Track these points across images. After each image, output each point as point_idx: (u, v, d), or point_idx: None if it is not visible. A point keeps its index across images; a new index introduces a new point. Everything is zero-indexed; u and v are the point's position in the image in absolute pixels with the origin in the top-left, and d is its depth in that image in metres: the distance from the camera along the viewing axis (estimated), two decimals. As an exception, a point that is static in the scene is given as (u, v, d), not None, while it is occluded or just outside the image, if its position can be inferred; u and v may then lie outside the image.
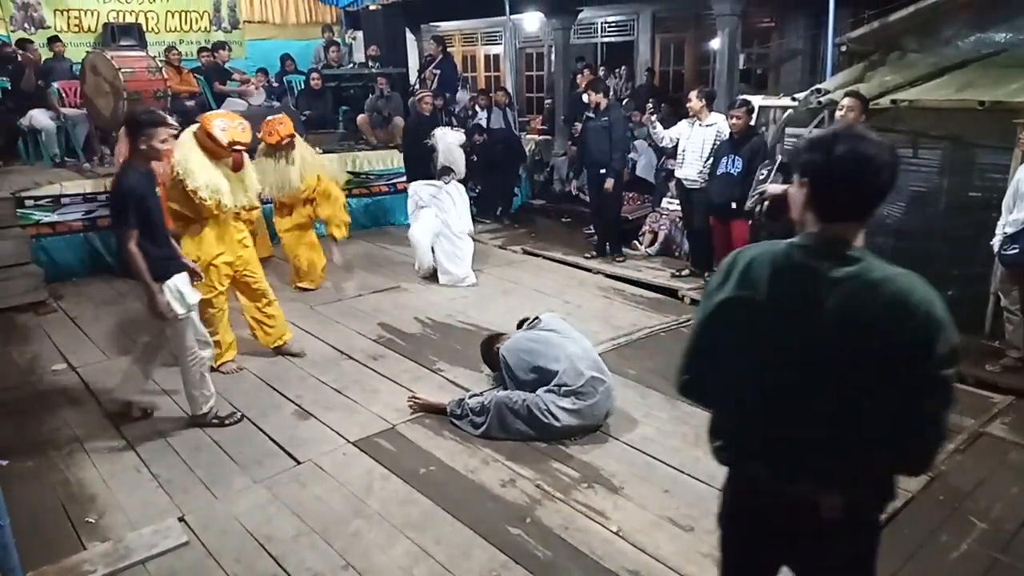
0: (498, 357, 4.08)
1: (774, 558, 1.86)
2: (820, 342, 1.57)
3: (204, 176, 4.13)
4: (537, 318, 4.26)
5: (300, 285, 6.35)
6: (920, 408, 1.54)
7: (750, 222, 5.56)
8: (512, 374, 3.94)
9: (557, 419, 3.68)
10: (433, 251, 6.58)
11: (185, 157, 4.11)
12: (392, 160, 8.89)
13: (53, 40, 8.81)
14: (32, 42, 8.38)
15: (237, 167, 4.39)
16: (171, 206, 4.21)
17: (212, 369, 4.23)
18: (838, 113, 4.75)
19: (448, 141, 7.01)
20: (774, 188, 4.70)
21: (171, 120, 3.68)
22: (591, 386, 3.72)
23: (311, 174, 5.92)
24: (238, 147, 4.27)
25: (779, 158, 4.99)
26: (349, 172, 8.56)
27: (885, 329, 1.51)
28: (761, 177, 5.07)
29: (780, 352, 1.63)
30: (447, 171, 6.82)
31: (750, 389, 1.69)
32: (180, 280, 3.71)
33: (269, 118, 5.74)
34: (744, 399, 1.72)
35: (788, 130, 5.91)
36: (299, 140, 5.89)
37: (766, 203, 4.57)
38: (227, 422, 3.96)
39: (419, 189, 6.76)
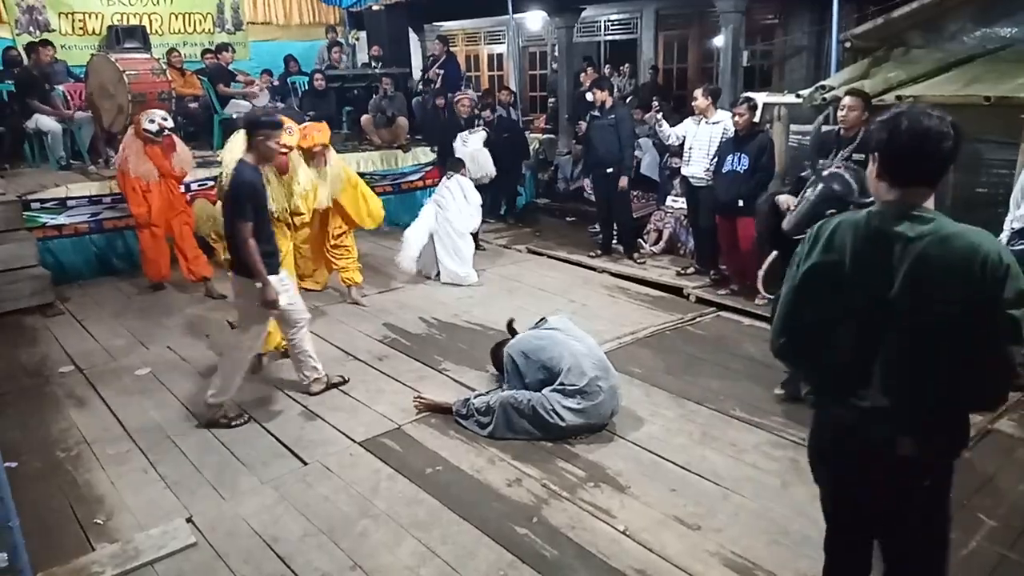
0: (502, 356, 4.08)
1: (861, 495, 2.03)
2: (901, 295, 1.78)
3: None
4: (543, 319, 4.26)
5: (304, 286, 6.29)
6: (993, 347, 1.73)
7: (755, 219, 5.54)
8: (519, 373, 3.94)
9: (563, 419, 3.68)
10: (436, 249, 6.57)
11: (232, 159, 4.11)
12: (396, 160, 8.91)
13: (44, 44, 8.77)
14: (46, 45, 8.39)
15: (283, 170, 4.39)
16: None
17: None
18: (840, 112, 4.72)
19: (470, 149, 7.07)
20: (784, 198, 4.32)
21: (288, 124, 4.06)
22: (596, 385, 3.72)
23: (343, 195, 5.56)
24: (284, 150, 4.25)
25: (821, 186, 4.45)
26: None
27: (959, 277, 1.72)
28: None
29: (866, 307, 1.85)
30: (457, 164, 6.87)
31: (840, 342, 1.90)
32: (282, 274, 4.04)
33: (307, 123, 5.38)
34: (834, 352, 1.92)
35: (793, 127, 5.89)
36: (334, 155, 5.46)
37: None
38: (234, 423, 3.97)
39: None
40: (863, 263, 1.83)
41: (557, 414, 3.68)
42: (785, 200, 4.20)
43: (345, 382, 4.45)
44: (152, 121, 5.86)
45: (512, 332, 4.32)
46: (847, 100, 4.65)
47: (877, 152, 1.86)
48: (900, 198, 1.83)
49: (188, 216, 6.19)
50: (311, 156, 5.15)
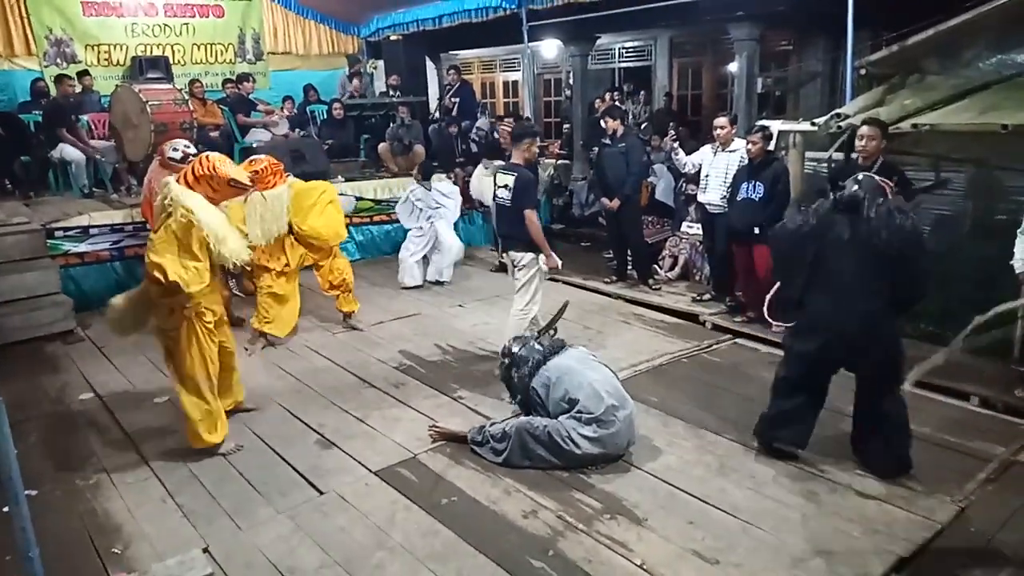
0: (528, 390, 4.00)
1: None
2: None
3: None
4: (562, 341, 4.20)
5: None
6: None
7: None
8: (544, 406, 3.90)
9: (578, 446, 3.66)
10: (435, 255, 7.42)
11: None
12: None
13: (82, 74, 9.05)
14: (71, 77, 8.61)
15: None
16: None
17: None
18: (859, 142, 4.73)
19: (483, 187, 7.66)
20: None
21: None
22: (612, 414, 3.70)
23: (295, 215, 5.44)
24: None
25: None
26: (371, 200, 8.68)
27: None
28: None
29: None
30: (430, 171, 7.58)
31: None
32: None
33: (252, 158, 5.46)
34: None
35: (808, 154, 5.89)
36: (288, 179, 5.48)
37: None
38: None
39: (411, 193, 7.36)
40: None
41: (572, 441, 3.66)
42: None
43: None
44: (176, 149, 5.90)
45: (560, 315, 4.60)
46: (865, 130, 4.65)
47: None
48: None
49: None
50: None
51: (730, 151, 6.02)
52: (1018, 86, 5.08)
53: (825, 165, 5.68)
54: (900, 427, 3.66)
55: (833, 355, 3.62)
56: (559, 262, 5.03)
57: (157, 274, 3.53)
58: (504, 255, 5.27)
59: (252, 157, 5.61)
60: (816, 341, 3.60)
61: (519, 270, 5.00)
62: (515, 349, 4.11)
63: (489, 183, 7.42)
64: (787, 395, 3.77)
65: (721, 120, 6.16)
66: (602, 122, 7.36)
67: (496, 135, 8.51)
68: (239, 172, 3.97)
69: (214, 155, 3.88)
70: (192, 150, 6.15)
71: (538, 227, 4.87)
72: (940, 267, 5.06)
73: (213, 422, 3.94)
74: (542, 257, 4.92)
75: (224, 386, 4.22)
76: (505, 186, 4.94)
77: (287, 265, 5.58)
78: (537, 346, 4.08)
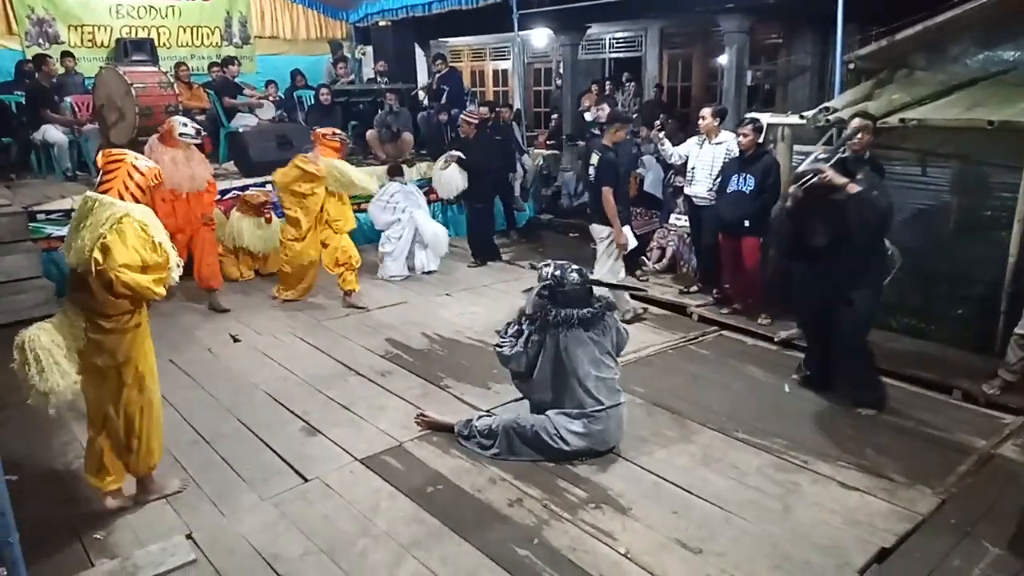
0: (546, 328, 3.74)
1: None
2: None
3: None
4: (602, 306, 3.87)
5: (286, 296, 6.46)
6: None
7: (760, 239, 5.55)
8: (541, 352, 3.72)
9: (567, 443, 3.66)
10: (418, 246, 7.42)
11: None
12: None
13: (65, 55, 8.92)
14: (51, 57, 8.48)
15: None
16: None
17: None
18: (854, 136, 4.75)
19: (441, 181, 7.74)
20: (835, 176, 4.07)
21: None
22: (605, 412, 3.69)
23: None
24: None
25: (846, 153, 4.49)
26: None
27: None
28: (822, 157, 4.42)
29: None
30: (400, 170, 7.62)
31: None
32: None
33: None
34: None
35: (796, 147, 5.91)
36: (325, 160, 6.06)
37: (808, 184, 4.23)
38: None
39: (391, 197, 7.35)
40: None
41: (561, 438, 3.66)
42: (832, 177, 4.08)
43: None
44: (186, 124, 5.76)
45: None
46: (857, 123, 4.66)
47: None
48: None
49: (213, 224, 6.19)
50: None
51: (716, 143, 6.03)
52: (1004, 83, 5.12)
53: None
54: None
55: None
56: (627, 240, 5.69)
57: (124, 290, 3.04)
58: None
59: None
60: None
61: (600, 243, 5.78)
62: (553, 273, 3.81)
63: (448, 176, 7.45)
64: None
65: (703, 111, 6.17)
66: (586, 115, 7.39)
67: (459, 125, 8.31)
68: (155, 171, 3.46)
69: (141, 159, 3.39)
70: (199, 126, 6.09)
71: (612, 204, 5.53)
72: (923, 262, 5.16)
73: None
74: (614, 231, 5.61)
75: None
76: (593, 164, 5.65)
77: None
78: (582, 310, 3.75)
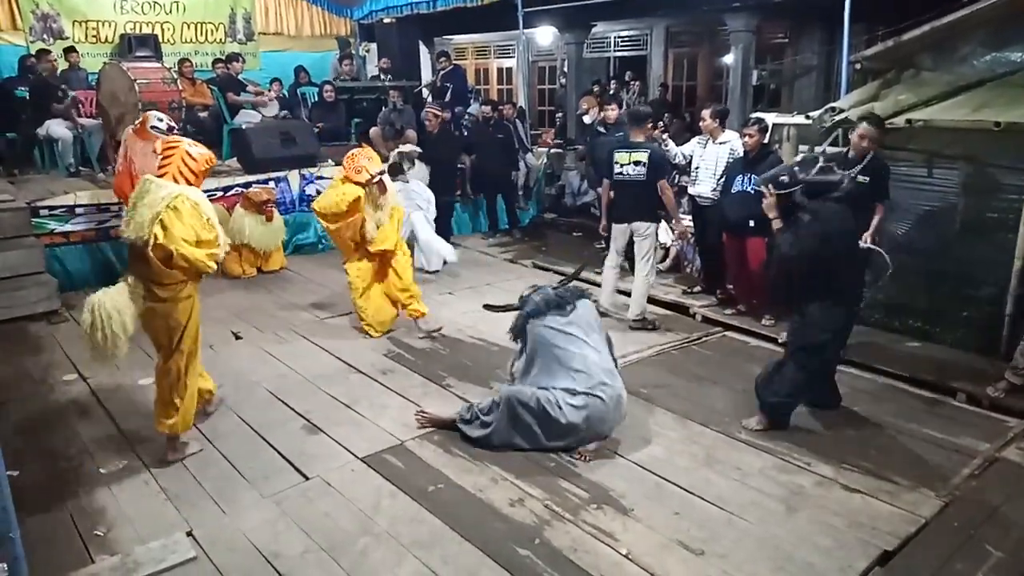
0: (525, 329, 3.96)
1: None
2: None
3: None
4: (572, 294, 4.06)
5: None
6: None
7: (765, 240, 5.52)
8: (530, 351, 3.92)
9: (565, 414, 3.67)
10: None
11: None
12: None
13: (69, 51, 8.93)
14: (50, 51, 8.49)
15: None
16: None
17: None
18: (857, 140, 4.77)
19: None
20: (770, 206, 4.09)
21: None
22: (601, 389, 3.70)
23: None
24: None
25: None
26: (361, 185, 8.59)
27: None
28: (797, 161, 4.64)
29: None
30: (400, 168, 7.03)
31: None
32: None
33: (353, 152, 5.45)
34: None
35: (802, 147, 5.89)
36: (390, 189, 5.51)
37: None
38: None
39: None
40: None
41: (560, 409, 3.67)
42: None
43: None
44: (160, 119, 5.74)
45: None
46: (866, 129, 4.69)
47: None
48: None
49: None
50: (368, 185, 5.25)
51: (720, 143, 6.00)
52: (1011, 84, 5.09)
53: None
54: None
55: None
56: (685, 225, 6.03)
57: (182, 262, 3.43)
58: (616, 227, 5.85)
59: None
60: (826, 338, 3.93)
61: (642, 240, 5.70)
62: (528, 294, 4.07)
63: (418, 172, 7.25)
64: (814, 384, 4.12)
65: (704, 112, 6.16)
66: (585, 118, 7.38)
67: (424, 120, 8.22)
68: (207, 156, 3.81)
69: (197, 146, 3.74)
70: (173, 123, 6.05)
71: (671, 196, 5.64)
72: (929, 264, 5.14)
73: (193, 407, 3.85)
74: (658, 227, 5.80)
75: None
76: (638, 162, 5.53)
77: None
78: (552, 293, 4.00)
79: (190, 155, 3.62)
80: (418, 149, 7.32)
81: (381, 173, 5.28)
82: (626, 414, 3.89)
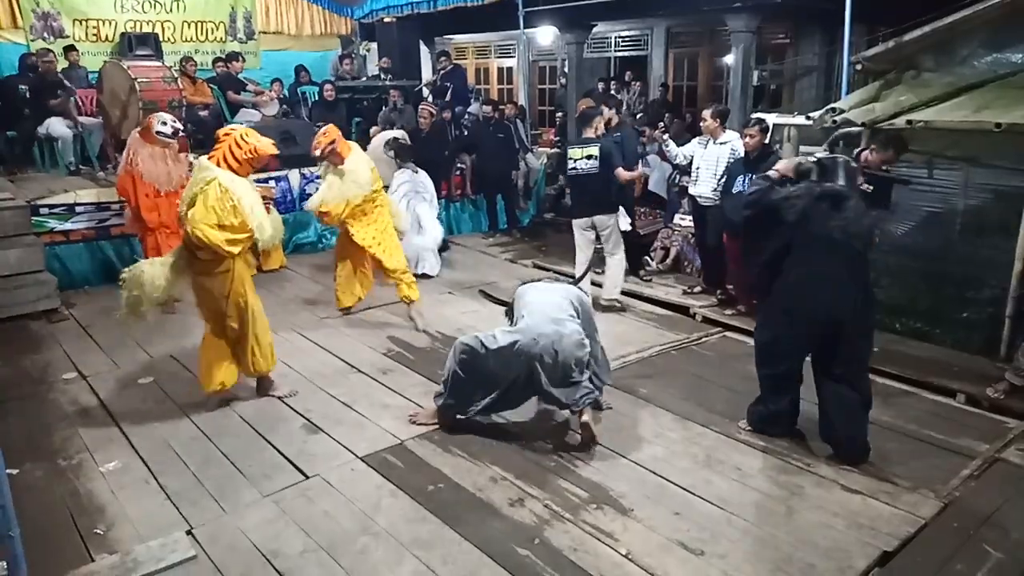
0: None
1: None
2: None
3: None
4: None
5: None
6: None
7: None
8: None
9: (495, 337, 3.76)
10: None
11: None
12: (404, 172, 8.90)
13: (69, 49, 8.92)
14: (51, 51, 8.48)
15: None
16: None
17: None
18: (870, 154, 4.81)
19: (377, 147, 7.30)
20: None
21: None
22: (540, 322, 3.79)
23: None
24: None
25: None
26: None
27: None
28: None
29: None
30: (410, 153, 7.13)
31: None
32: None
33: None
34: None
35: (803, 148, 5.89)
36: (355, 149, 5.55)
37: None
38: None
39: (399, 179, 7.03)
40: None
41: (493, 336, 3.77)
42: None
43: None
44: (165, 123, 5.78)
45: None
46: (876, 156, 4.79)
47: None
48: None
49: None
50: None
51: (721, 143, 6.00)
52: (1012, 85, 5.09)
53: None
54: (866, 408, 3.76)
55: (811, 341, 3.71)
56: (639, 171, 6.50)
57: (207, 245, 3.74)
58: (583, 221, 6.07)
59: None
60: (796, 328, 3.70)
61: (607, 233, 5.99)
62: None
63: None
64: (776, 392, 3.91)
65: (704, 112, 6.16)
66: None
67: (419, 117, 8.24)
68: (270, 145, 4.13)
69: (252, 136, 4.00)
70: (179, 125, 6.07)
71: (625, 172, 5.86)
72: (929, 265, 5.14)
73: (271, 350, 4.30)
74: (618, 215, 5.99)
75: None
76: (591, 156, 5.76)
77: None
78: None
79: (237, 143, 3.89)
80: (393, 134, 7.35)
81: (332, 143, 5.29)
82: (583, 345, 3.76)
